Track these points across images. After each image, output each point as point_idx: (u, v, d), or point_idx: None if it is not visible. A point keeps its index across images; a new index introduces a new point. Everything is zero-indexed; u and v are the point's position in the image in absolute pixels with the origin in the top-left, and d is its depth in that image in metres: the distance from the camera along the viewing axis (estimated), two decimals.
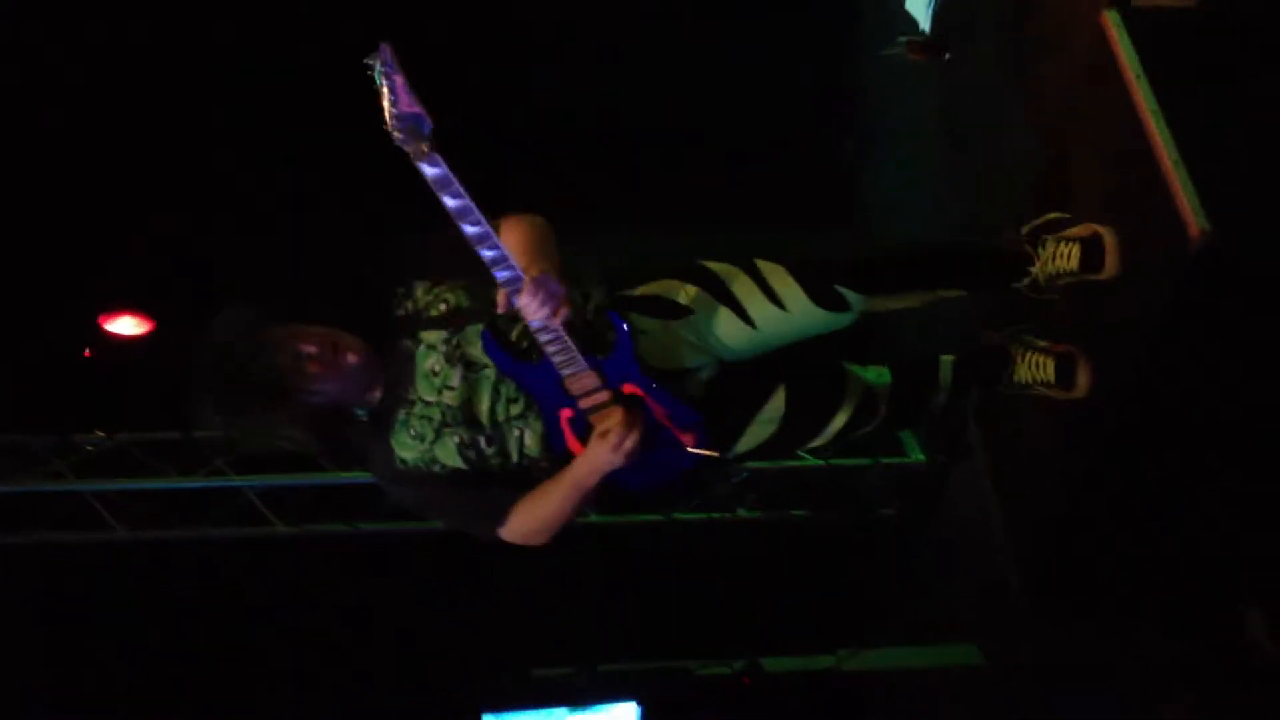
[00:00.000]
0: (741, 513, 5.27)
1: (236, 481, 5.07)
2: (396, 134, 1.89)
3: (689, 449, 2.63)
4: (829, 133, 5.46)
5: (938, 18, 4.27)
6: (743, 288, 2.80)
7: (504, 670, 4.86)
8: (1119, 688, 3.76)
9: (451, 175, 2.04)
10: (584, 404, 2.54)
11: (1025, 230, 3.22)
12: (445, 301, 2.63)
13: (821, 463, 5.11)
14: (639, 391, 2.56)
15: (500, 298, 2.38)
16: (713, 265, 2.83)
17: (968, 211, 4.24)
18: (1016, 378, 3.26)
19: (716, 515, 5.28)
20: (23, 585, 5.02)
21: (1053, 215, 3.20)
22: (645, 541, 5.28)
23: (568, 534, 5.09)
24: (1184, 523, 3.44)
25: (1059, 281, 3.11)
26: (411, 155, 1.95)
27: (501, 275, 2.30)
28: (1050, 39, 3.52)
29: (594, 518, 5.21)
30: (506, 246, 2.28)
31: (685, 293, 2.78)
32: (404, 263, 2.68)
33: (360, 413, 2.65)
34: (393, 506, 4.96)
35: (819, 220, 4.79)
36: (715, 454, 2.67)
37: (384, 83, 1.86)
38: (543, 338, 2.43)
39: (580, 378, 2.51)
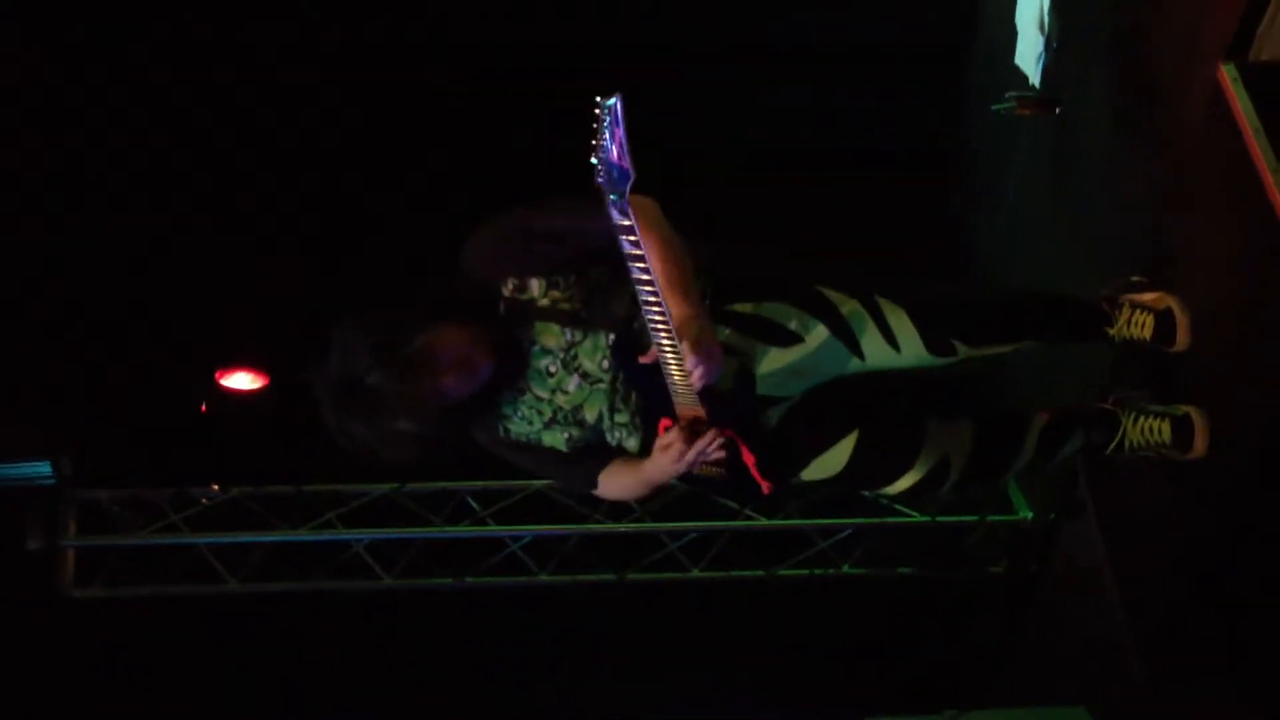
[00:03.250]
0: (846, 569, 5.23)
1: (346, 535, 5.13)
2: (599, 176, 1.92)
3: (765, 492, 2.70)
4: (939, 185, 5.45)
5: (1048, 72, 4.23)
6: (862, 324, 2.78)
7: None
8: None
9: (636, 226, 2.06)
10: (683, 421, 2.58)
11: (1104, 291, 3.18)
12: (563, 308, 2.65)
13: (928, 519, 5.07)
14: (737, 440, 2.59)
15: (652, 351, 2.39)
16: (831, 295, 2.79)
17: (1075, 267, 4.20)
18: (1129, 442, 3.18)
19: (820, 571, 5.24)
20: (139, 637, 5.11)
21: (1133, 278, 3.17)
22: (749, 598, 5.26)
23: (674, 589, 5.13)
24: None
25: (1133, 346, 3.07)
26: (605, 195, 1.98)
27: (656, 327, 2.31)
28: (1165, 93, 3.49)
29: (695, 573, 5.20)
30: (654, 271, 2.22)
31: (799, 320, 2.76)
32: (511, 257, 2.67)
33: None
34: (501, 563, 5.12)
35: (925, 270, 4.77)
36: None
37: (604, 132, 1.87)
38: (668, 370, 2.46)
39: (689, 409, 2.54)
